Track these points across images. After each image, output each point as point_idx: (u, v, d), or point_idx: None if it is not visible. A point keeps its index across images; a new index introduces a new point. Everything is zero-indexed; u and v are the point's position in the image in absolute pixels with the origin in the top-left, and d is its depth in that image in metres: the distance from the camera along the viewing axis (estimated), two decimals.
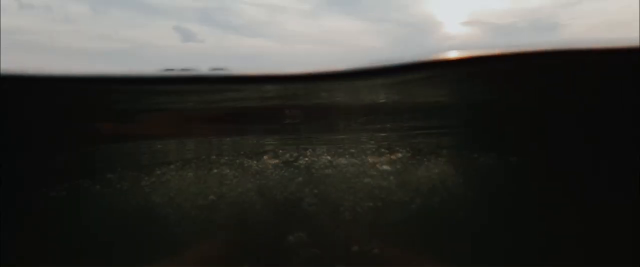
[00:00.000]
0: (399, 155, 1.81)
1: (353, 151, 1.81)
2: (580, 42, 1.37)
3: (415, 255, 1.58)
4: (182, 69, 1.49)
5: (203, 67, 1.53)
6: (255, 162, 1.79)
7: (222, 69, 1.48)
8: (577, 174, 1.69)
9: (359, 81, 1.60)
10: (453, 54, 1.36)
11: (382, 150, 1.83)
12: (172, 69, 1.49)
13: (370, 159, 1.79)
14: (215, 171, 1.78)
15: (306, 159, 1.80)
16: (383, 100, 1.82)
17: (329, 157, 1.79)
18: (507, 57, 1.39)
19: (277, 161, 1.80)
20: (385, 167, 1.78)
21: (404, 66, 1.42)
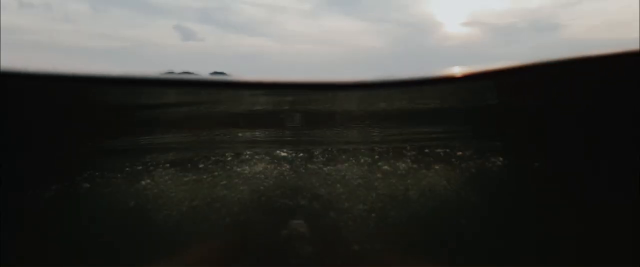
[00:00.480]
0: (403, 159, 1.81)
1: (356, 155, 1.81)
2: (579, 50, 1.37)
3: (418, 257, 1.58)
4: (183, 72, 1.49)
5: (203, 66, 1.53)
6: (255, 165, 1.79)
7: (223, 74, 1.48)
8: (579, 175, 1.69)
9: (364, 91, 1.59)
10: (457, 70, 1.37)
11: (386, 154, 1.83)
12: (172, 72, 1.49)
13: (373, 164, 1.80)
14: (215, 172, 1.77)
15: (308, 163, 1.79)
16: (386, 106, 1.81)
17: (331, 162, 1.79)
18: (511, 70, 1.39)
19: (278, 164, 1.79)
20: (387, 169, 1.78)
21: (410, 81, 1.42)
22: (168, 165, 1.79)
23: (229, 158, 1.82)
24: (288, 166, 1.78)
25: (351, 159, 1.81)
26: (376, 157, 1.82)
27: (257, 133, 1.96)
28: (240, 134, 1.96)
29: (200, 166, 1.79)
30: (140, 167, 1.77)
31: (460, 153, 1.86)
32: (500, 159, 1.81)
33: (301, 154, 1.82)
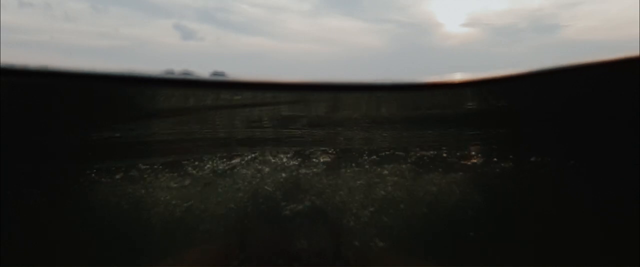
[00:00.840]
0: (403, 163, 1.81)
1: (357, 157, 1.81)
2: (580, 51, 1.38)
3: (418, 258, 1.58)
4: (183, 73, 1.48)
5: (203, 65, 1.52)
6: (254, 166, 1.79)
7: (222, 74, 1.47)
8: (581, 178, 1.70)
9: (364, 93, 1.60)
10: (458, 76, 1.38)
11: (388, 156, 1.83)
12: (171, 71, 1.48)
13: (374, 165, 1.79)
14: (214, 173, 1.77)
15: (309, 164, 1.79)
16: (388, 107, 1.81)
17: (332, 163, 1.79)
18: (513, 77, 1.40)
19: (277, 166, 1.79)
20: (386, 173, 1.78)
21: (412, 85, 1.43)
22: (166, 165, 1.78)
23: (228, 159, 1.81)
24: (288, 168, 1.78)
25: (352, 160, 1.81)
26: (378, 159, 1.82)
27: (256, 133, 1.96)
28: (239, 135, 1.96)
29: (199, 166, 1.79)
30: (136, 168, 1.77)
31: (461, 155, 1.86)
32: (502, 162, 1.81)
33: (301, 155, 1.82)
